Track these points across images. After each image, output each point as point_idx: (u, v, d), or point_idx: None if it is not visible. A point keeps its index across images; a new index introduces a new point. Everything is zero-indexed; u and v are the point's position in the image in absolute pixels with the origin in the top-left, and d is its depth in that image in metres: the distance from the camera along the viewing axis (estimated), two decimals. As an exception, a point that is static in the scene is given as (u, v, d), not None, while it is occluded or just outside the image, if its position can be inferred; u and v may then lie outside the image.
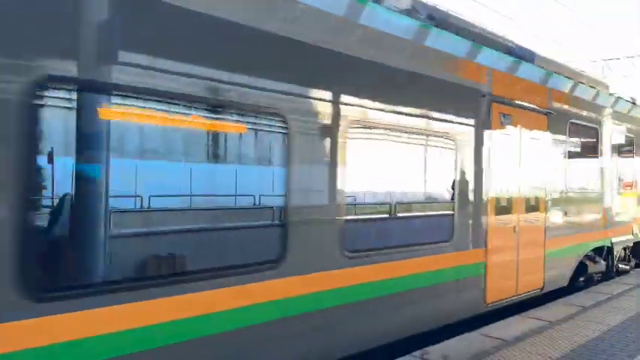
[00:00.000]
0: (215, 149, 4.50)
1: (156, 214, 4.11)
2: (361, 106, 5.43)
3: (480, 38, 7.51)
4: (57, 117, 3.53)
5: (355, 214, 5.60)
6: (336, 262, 5.11)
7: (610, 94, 11.13)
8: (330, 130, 5.15)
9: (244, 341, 4.41)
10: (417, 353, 5.67)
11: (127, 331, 3.65)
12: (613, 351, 5.98)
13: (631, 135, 11.50)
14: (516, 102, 7.82)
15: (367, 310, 5.44)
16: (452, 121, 6.60)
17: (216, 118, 4.38)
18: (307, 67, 4.97)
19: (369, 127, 5.60)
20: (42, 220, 3.49)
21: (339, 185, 5.19)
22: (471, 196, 6.92)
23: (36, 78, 3.25)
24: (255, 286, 4.43)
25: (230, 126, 4.48)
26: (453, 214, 6.62)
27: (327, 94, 5.14)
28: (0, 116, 3.14)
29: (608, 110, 10.67)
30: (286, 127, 4.73)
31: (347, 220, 5.27)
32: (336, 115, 5.21)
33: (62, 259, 3.63)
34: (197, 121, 4.25)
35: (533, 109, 8.20)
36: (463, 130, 6.80)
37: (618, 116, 11.02)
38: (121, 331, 3.62)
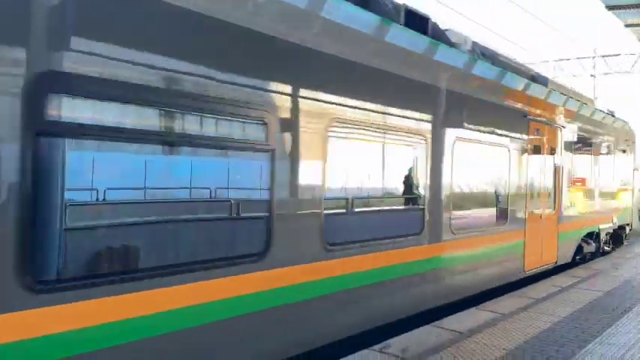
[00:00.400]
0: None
1: None
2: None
3: (513, 69, 9.84)
4: None
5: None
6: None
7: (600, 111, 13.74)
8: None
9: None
10: (377, 347, 5.70)
11: None
12: (563, 342, 6.18)
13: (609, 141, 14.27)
14: (543, 119, 10.17)
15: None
16: (511, 136, 9.07)
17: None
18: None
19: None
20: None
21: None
22: (518, 193, 9.35)
23: None
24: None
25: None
26: (507, 207, 8.99)
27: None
28: None
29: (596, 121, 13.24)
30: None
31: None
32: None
33: None
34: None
35: (550, 124, 10.55)
36: (517, 141, 9.25)
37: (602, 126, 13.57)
38: None
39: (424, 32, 7.01)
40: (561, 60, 31.63)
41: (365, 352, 5.58)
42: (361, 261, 5.80)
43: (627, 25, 14.70)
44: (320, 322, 5.44)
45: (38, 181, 3.31)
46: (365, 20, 5.91)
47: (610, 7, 13.26)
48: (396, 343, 5.91)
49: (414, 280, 6.73)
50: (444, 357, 5.56)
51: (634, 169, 16.60)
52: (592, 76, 30.50)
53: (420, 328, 6.53)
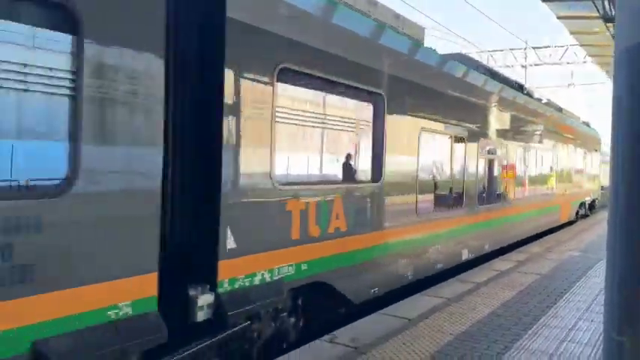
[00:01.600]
0: None
1: None
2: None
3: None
4: None
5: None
6: None
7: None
8: None
9: None
10: (326, 337, 5.53)
11: None
12: (508, 325, 6.26)
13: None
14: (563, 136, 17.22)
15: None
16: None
17: None
18: None
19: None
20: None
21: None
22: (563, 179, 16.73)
23: None
24: None
25: None
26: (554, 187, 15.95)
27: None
28: None
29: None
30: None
31: None
32: None
33: None
34: None
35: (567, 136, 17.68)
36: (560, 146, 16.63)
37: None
38: None
39: None
40: (495, 51, 32.67)
41: (315, 343, 5.40)
42: None
43: (559, 18, 15.20)
44: None
45: None
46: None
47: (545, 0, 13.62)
48: (345, 332, 5.77)
49: None
50: (394, 344, 5.48)
51: (600, 163, 24.09)
52: (523, 66, 31.66)
53: (368, 316, 6.43)
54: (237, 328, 4.81)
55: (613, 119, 2.70)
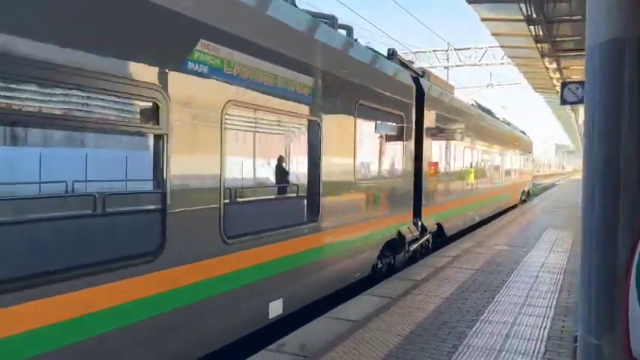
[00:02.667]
0: None
1: None
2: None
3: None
4: None
5: None
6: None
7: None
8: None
9: None
10: (273, 346, 5.27)
11: None
12: (452, 323, 6.28)
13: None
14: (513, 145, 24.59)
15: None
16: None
17: None
18: None
19: None
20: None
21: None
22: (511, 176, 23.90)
23: None
24: None
25: None
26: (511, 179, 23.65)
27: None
28: None
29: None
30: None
31: None
32: None
33: None
34: None
35: (517, 145, 25.51)
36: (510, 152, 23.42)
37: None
38: None
39: None
40: (419, 52, 33.60)
41: (261, 353, 5.12)
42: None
43: (483, 20, 15.73)
44: None
45: None
46: None
47: (470, 1, 14.02)
48: (293, 339, 5.54)
49: None
50: (344, 349, 5.32)
51: (532, 161, 33.17)
52: (445, 67, 32.78)
53: (314, 320, 6.23)
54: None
55: (586, 115, 2.65)
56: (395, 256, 9.86)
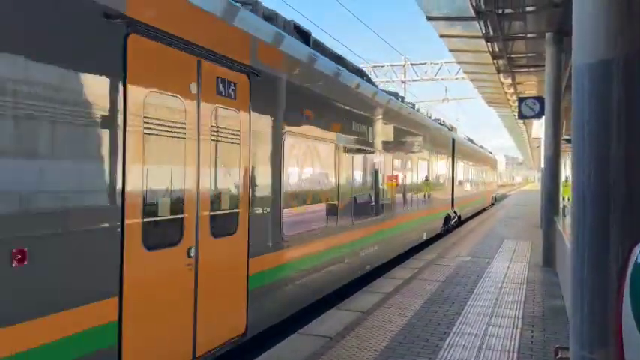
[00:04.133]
0: None
1: None
2: None
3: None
4: None
5: None
6: None
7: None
8: None
9: None
10: (250, 365, 5.14)
11: None
12: (425, 336, 6.31)
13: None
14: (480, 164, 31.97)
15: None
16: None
17: None
18: None
19: None
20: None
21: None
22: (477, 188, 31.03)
23: None
24: None
25: None
26: (485, 188, 33.40)
27: None
28: None
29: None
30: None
31: None
32: None
33: None
34: None
35: (482, 163, 33.52)
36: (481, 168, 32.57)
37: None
38: None
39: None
40: (376, 66, 34.10)
41: (238, 373, 4.99)
42: None
43: (442, 36, 16.11)
44: None
45: None
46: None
47: (430, 18, 14.34)
48: (267, 357, 5.42)
49: None
50: (320, 367, 5.24)
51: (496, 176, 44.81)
52: (403, 82, 33.38)
53: (288, 338, 6.12)
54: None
55: (574, 133, 2.71)
56: (447, 224, 18.97)
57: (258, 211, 5.96)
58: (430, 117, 18.78)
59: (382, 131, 10.93)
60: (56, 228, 3.43)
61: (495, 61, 16.38)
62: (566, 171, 28.07)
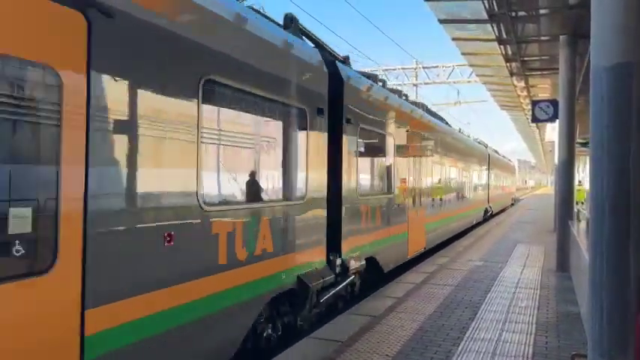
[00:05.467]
0: None
1: None
2: None
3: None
4: None
5: None
6: None
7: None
8: None
9: None
10: (261, 370, 5.12)
11: None
12: (438, 341, 6.25)
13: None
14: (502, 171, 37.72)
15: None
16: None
17: None
18: None
19: None
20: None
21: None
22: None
23: None
24: None
25: None
26: (508, 190, 41.26)
27: None
28: None
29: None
30: None
31: None
32: None
33: None
34: None
35: (504, 169, 39.71)
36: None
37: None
38: None
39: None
40: (388, 69, 34.04)
41: (249, 377, 4.97)
42: None
43: (454, 39, 16.03)
44: None
45: None
46: None
47: (442, 21, 14.28)
48: (280, 361, 5.40)
49: None
50: (332, 372, 5.20)
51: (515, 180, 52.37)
52: (414, 85, 33.29)
53: (300, 342, 6.10)
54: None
55: (593, 137, 2.66)
56: (485, 215, 25.80)
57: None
58: (469, 136, 25.65)
59: (456, 152, 18.96)
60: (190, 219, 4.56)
61: (508, 64, 16.24)
62: (579, 174, 27.80)
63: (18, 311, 3.14)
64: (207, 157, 4.93)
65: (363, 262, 8.78)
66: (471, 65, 21.65)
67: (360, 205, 8.71)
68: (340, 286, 7.75)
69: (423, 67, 32.61)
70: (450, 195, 17.05)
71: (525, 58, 15.45)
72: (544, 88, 19.77)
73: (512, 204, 42.67)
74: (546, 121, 13.08)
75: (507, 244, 15.84)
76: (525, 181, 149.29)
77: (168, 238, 4.27)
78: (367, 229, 9.00)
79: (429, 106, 17.73)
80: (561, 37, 12.28)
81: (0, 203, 3.12)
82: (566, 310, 7.81)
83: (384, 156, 10.46)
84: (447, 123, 19.10)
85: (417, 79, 33.22)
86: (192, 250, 4.58)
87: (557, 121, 12.33)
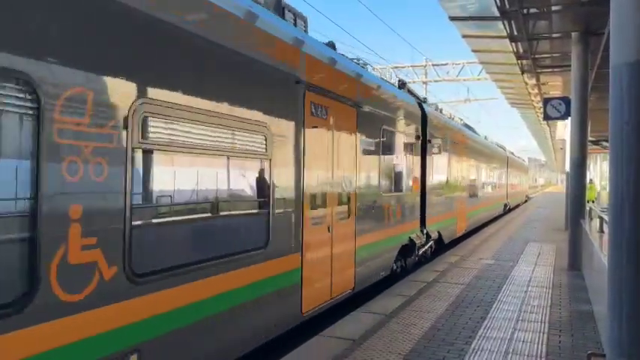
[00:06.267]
0: None
1: None
2: None
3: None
4: None
5: None
6: None
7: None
8: None
9: None
10: (274, 367, 5.12)
11: None
12: (450, 340, 6.22)
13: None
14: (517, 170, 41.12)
15: None
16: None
17: None
18: None
19: None
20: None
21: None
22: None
23: None
24: None
25: None
26: (522, 188, 46.59)
27: None
28: None
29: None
30: None
31: None
32: None
33: None
34: None
35: (520, 168, 44.55)
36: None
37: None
38: None
39: None
40: (398, 67, 33.93)
41: (262, 374, 4.97)
42: None
43: (464, 36, 15.93)
44: None
45: None
46: None
47: (452, 18, 14.20)
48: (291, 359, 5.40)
49: None
50: (344, 369, 5.20)
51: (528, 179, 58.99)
52: (424, 82, 33.16)
53: (309, 341, 6.10)
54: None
55: (612, 134, 2.63)
56: (505, 209, 29.75)
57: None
58: (486, 139, 27.15)
59: (485, 157, 22.72)
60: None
61: (520, 62, 16.13)
62: (590, 173, 27.64)
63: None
64: (386, 168, 9.61)
65: (436, 234, 13.21)
66: (481, 63, 21.53)
67: (434, 197, 13.07)
68: (427, 246, 12.31)
69: (433, 65, 32.48)
70: (481, 192, 21.26)
71: (537, 56, 15.32)
72: (555, 86, 19.61)
73: (526, 200, 46.78)
74: (558, 118, 12.97)
75: (518, 242, 15.75)
76: (535, 179, 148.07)
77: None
78: (437, 214, 13.34)
79: (463, 120, 21.94)
80: (573, 34, 12.17)
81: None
82: (578, 309, 7.75)
83: (445, 163, 14.72)
84: (474, 131, 22.36)
85: (426, 77, 33.08)
86: (380, 213, 9.11)
87: (569, 118, 12.22)
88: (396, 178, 10.24)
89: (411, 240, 10.79)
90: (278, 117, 5.70)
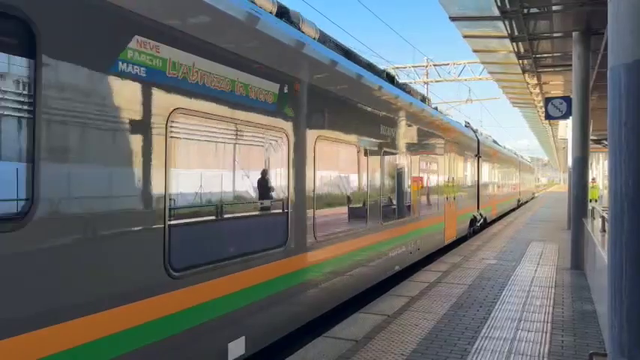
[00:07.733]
0: None
1: None
2: None
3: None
4: None
5: None
6: None
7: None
8: None
9: None
10: (277, 369, 5.15)
11: None
12: (453, 340, 6.24)
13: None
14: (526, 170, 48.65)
15: None
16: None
17: None
18: None
19: None
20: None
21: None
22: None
23: None
24: None
25: None
26: (531, 187, 55.47)
27: None
28: None
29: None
30: None
31: None
32: None
33: None
34: None
35: (529, 170, 52.58)
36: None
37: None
38: None
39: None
40: (398, 67, 33.94)
41: (265, 376, 4.99)
42: None
43: (465, 36, 15.94)
44: None
45: None
46: None
47: (453, 19, 14.22)
48: (295, 360, 5.42)
49: None
50: (347, 371, 5.21)
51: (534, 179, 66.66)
52: (425, 83, 33.17)
53: (314, 341, 6.12)
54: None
55: (611, 136, 2.65)
56: (517, 204, 35.64)
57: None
58: (504, 146, 32.43)
59: (506, 162, 28.33)
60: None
61: (521, 61, 16.13)
62: (592, 172, 27.69)
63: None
64: (466, 174, 17.47)
65: (484, 215, 20.22)
66: (482, 63, 21.53)
67: (482, 192, 20.02)
68: (480, 221, 19.49)
69: (434, 65, 32.50)
70: (503, 190, 27.62)
71: (538, 55, 15.33)
72: (556, 85, 19.60)
73: (533, 197, 52.88)
74: (559, 118, 12.98)
75: (521, 242, 15.75)
76: (538, 179, 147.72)
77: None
78: (483, 204, 20.13)
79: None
80: (574, 33, 12.18)
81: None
82: (581, 309, 7.75)
83: (487, 170, 21.40)
84: (498, 143, 28.21)
85: (427, 77, 33.10)
86: (464, 199, 16.91)
87: (571, 118, 12.23)
88: (471, 179, 17.90)
89: (474, 216, 18.29)
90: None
